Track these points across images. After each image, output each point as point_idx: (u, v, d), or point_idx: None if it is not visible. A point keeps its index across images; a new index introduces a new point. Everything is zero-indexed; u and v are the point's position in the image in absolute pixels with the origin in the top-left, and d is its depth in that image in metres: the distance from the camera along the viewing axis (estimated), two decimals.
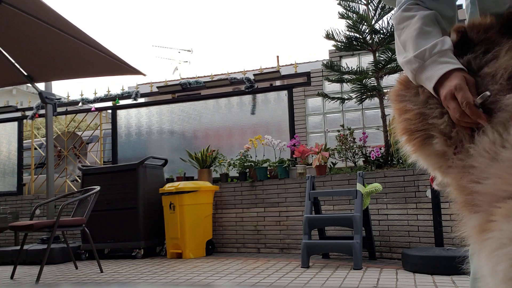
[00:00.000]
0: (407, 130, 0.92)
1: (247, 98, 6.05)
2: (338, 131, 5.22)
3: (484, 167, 0.73)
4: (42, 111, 6.64)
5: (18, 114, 7.13)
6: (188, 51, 21.43)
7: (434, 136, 0.88)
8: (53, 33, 4.15)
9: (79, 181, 5.86)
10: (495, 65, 0.85)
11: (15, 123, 7.10)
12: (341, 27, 5.66)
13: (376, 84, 4.82)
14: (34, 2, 3.75)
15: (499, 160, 0.71)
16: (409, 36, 1.03)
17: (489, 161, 0.73)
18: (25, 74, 4.85)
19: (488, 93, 0.83)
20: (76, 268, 4.45)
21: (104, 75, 4.98)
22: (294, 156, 5.26)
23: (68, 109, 7.00)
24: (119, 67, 4.57)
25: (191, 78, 7.18)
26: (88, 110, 6.77)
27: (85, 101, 6.69)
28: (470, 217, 0.75)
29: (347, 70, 4.93)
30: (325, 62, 5.09)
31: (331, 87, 5.62)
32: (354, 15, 4.87)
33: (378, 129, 5.28)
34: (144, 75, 4.75)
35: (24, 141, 7.14)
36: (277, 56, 21.84)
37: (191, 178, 5.68)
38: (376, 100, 5.01)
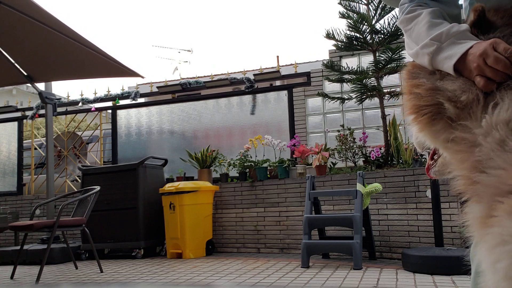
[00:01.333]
0: (416, 107, 0.88)
1: (247, 98, 6.05)
2: (338, 131, 5.21)
3: (490, 153, 0.70)
4: (42, 111, 6.64)
5: (18, 114, 7.13)
6: (188, 51, 21.42)
7: (444, 106, 0.84)
8: (52, 35, 4.16)
9: (79, 181, 5.86)
10: None
11: (15, 123, 7.10)
12: (341, 27, 5.65)
13: (376, 84, 4.82)
14: (32, 5, 3.76)
15: (507, 151, 0.68)
16: (420, 31, 1.00)
17: (497, 146, 0.70)
18: (25, 74, 4.85)
19: None
20: (76, 268, 4.45)
21: (103, 76, 4.99)
22: (294, 156, 5.26)
23: (68, 109, 7.00)
24: (118, 69, 4.58)
25: (191, 78, 7.18)
26: (88, 110, 6.77)
27: (85, 101, 6.69)
28: (473, 207, 0.73)
29: (347, 70, 4.93)
30: (325, 62, 5.08)
31: (331, 87, 5.62)
32: (354, 14, 4.87)
33: (378, 129, 5.28)
34: (143, 77, 4.76)
35: (24, 141, 7.14)
36: (277, 56, 21.84)
37: (191, 178, 5.67)
38: (376, 100, 5.01)
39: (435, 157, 1.06)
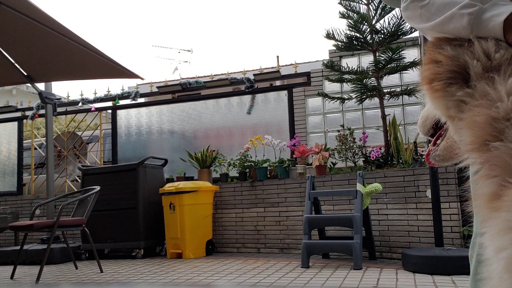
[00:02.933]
0: (434, 74, 0.83)
1: (247, 98, 6.05)
2: (338, 131, 5.21)
3: (510, 113, 0.65)
4: (42, 111, 6.64)
5: (18, 114, 7.13)
6: (188, 51, 21.42)
7: (469, 64, 0.79)
8: (52, 35, 4.17)
9: (79, 181, 5.86)
10: None
11: (15, 123, 7.10)
12: (341, 27, 5.65)
13: (376, 84, 4.82)
14: (32, 6, 3.76)
15: None
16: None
17: None
18: (25, 74, 4.85)
19: None
20: (76, 268, 4.45)
21: (103, 77, 4.99)
22: (294, 156, 5.26)
23: (68, 109, 7.00)
24: (118, 70, 4.59)
25: (191, 78, 7.18)
26: (88, 110, 6.77)
27: (85, 101, 6.69)
28: (482, 181, 0.67)
29: (347, 70, 4.93)
30: (325, 62, 5.08)
31: (331, 87, 5.62)
32: (355, 14, 4.87)
33: (378, 129, 5.28)
34: (142, 78, 4.76)
35: (24, 141, 7.14)
36: (277, 56, 21.84)
37: (191, 178, 5.67)
38: (376, 100, 5.01)
39: (438, 141, 1.02)
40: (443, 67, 0.82)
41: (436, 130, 1.01)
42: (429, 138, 1.04)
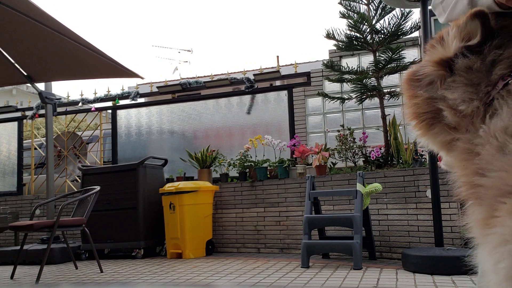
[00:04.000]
0: (416, 114, 0.91)
1: (247, 98, 6.05)
2: (338, 131, 5.21)
3: (490, 158, 0.71)
4: (42, 111, 6.64)
5: (18, 114, 7.13)
6: (188, 51, 21.43)
7: (443, 110, 0.86)
8: (52, 35, 4.16)
9: (79, 181, 5.86)
10: None
11: (15, 123, 7.10)
12: (341, 26, 5.66)
13: (376, 84, 4.82)
14: (32, 6, 3.76)
15: (507, 153, 0.69)
16: None
17: (496, 151, 0.71)
18: (25, 74, 4.85)
19: None
20: (76, 268, 4.45)
21: (103, 77, 4.99)
22: (294, 156, 5.26)
23: (68, 109, 6.99)
24: (118, 70, 4.58)
25: (191, 78, 7.18)
26: (88, 110, 6.77)
27: (85, 101, 6.69)
28: (474, 209, 0.73)
29: (347, 70, 4.94)
30: (325, 62, 5.08)
31: (331, 87, 5.62)
32: (355, 14, 4.87)
33: (378, 129, 5.28)
34: (142, 78, 4.76)
35: (24, 141, 7.14)
36: (277, 56, 21.84)
37: (191, 178, 5.67)
38: (376, 100, 5.01)
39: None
40: (422, 108, 0.89)
41: None
42: None
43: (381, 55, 4.70)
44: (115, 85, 13.68)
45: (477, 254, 1.01)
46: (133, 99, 6.44)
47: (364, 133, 5.04)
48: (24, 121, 7.09)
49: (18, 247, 4.58)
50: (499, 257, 0.62)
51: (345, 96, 5.18)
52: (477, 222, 0.71)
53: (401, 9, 4.61)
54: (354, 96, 4.96)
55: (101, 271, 4.11)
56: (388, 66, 4.73)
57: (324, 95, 5.18)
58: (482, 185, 0.70)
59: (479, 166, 0.73)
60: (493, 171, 0.69)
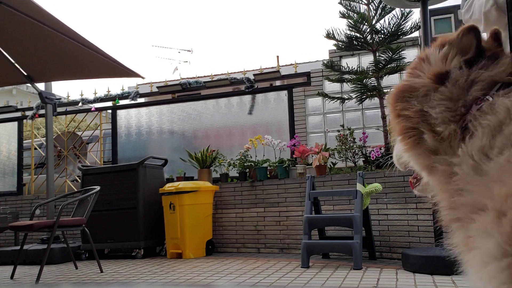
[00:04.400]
0: (404, 129, 0.90)
1: (247, 98, 6.05)
2: (338, 131, 5.21)
3: (466, 177, 0.73)
4: (42, 111, 6.64)
5: (18, 114, 7.13)
6: (188, 51, 21.43)
7: (424, 133, 0.86)
8: (52, 35, 4.16)
9: (79, 181, 5.86)
10: None
11: (15, 123, 7.10)
12: (341, 27, 5.67)
13: (376, 84, 4.82)
14: (32, 5, 3.76)
15: (481, 174, 0.70)
16: None
17: (472, 171, 0.73)
18: (25, 74, 4.85)
19: None
20: (76, 268, 4.45)
21: (103, 77, 4.99)
22: (294, 156, 5.26)
23: (68, 109, 6.99)
24: (118, 69, 4.58)
25: (191, 78, 7.18)
26: (88, 110, 6.77)
27: (85, 101, 6.69)
28: (456, 232, 0.75)
29: (347, 70, 4.94)
30: (325, 62, 5.09)
31: (331, 87, 5.62)
32: (355, 14, 4.87)
33: (378, 129, 5.28)
34: (143, 77, 4.76)
35: (24, 141, 7.14)
36: (277, 56, 21.84)
37: (191, 178, 5.67)
38: (376, 100, 5.01)
39: (419, 176, 1.08)
40: (412, 122, 0.89)
41: None
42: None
43: (381, 55, 4.70)
44: (115, 85, 13.67)
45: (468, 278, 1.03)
46: (133, 99, 6.44)
47: (364, 133, 5.04)
48: (24, 121, 7.09)
49: (18, 247, 4.57)
50: (485, 282, 0.63)
51: (345, 96, 5.18)
52: (460, 245, 0.73)
53: (401, 9, 4.61)
54: (354, 96, 4.96)
55: (101, 271, 4.11)
56: (388, 66, 4.73)
57: (324, 95, 5.18)
58: (461, 204, 0.72)
59: (458, 187, 0.74)
60: (468, 190, 0.71)
